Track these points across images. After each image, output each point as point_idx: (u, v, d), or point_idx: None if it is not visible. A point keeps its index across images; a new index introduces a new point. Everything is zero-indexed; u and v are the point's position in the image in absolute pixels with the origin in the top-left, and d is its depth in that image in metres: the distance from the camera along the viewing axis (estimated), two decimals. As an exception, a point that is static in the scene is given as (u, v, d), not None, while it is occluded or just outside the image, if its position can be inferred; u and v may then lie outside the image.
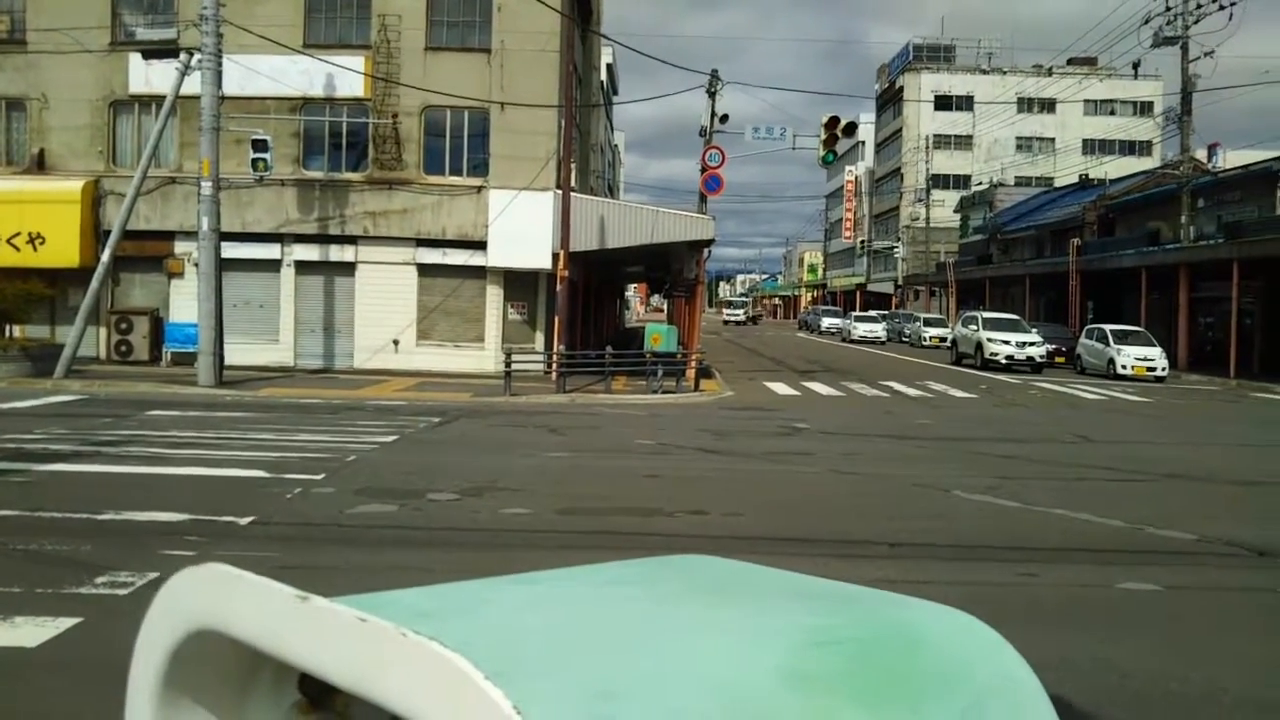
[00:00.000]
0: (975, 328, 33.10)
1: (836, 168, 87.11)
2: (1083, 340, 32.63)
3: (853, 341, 52.62)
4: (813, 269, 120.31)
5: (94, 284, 22.07)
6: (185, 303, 26.08)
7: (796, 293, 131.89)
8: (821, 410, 20.23)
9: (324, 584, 6.98)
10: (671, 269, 33.62)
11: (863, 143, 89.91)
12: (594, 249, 25.70)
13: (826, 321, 65.56)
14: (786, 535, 8.94)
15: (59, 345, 22.45)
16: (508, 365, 21.16)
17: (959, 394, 24.21)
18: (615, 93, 65.02)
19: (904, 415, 19.64)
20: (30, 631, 5.79)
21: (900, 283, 76.88)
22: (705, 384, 23.96)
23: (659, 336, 23.00)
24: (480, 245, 26.08)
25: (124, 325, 25.80)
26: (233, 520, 8.65)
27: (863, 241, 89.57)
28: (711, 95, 30.35)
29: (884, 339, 52.69)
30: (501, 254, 25.82)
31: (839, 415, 19.36)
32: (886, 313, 62.63)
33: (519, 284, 26.66)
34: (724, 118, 30.41)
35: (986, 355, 31.56)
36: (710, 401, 21.70)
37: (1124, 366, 29.22)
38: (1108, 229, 46.31)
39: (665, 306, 68.42)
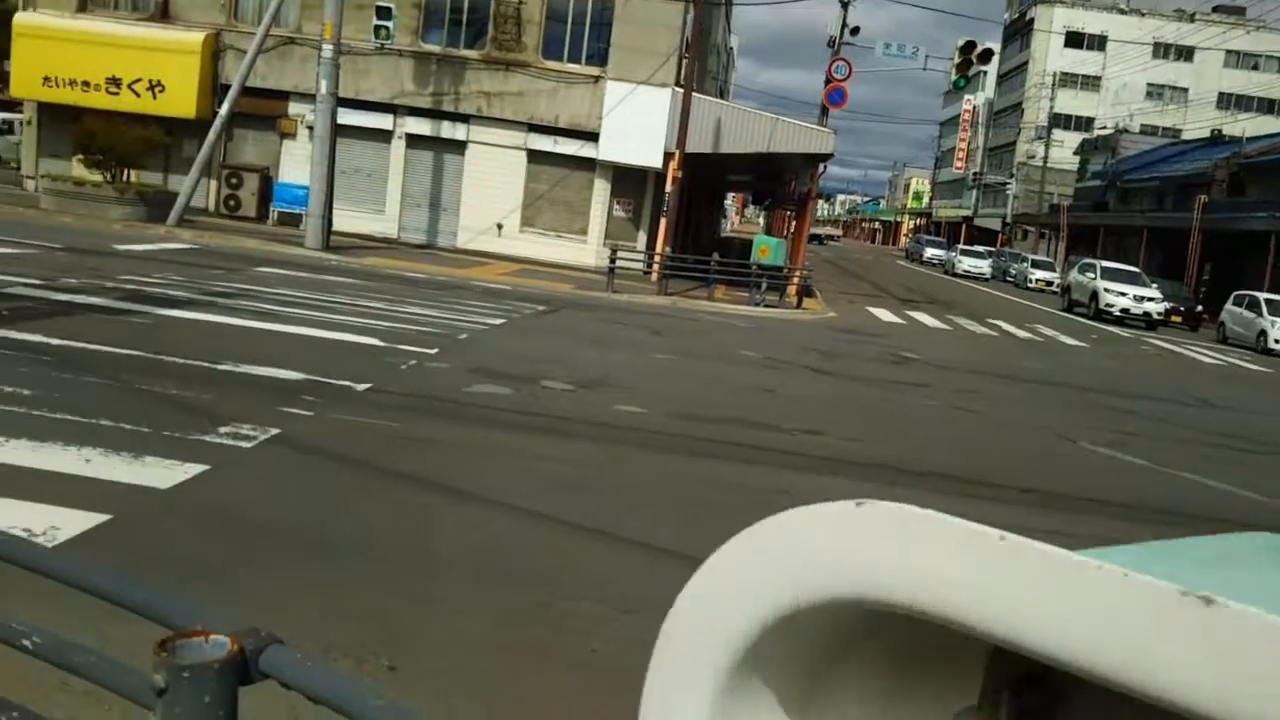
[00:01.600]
0: (1092, 275, 31.83)
1: (954, 96, 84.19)
2: (1229, 307, 30.38)
3: (956, 275, 51.29)
4: (918, 196, 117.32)
5: (211, 136, 22.14)
6: (295, 164, 26.14)
7: (899, 219, 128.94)
8: (929, 342, 19.64)
9: (449, 460, 6.86)
10: (783, 180, 32.83)
11: (984, 72, 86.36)
12: (707, 152, 25.04)
13: (930, 252, 64.00)
14: (908, 467, 8.59)
15: (172, 193, 22.67)
16: (612, 261, 20.86)
17: (1069, 341, 23.36)
18: (736, -6, 63.07)
19: (1014, 357, 18.98)
20: (160, 473, 5.73)
21: (1009, 220, 74.57)
22: (807, 302, 23.45)
23: (766, 248, 22.45)
24: (592, 137, 25.62)
25: (234, 180, 25.98)
26: (349, 385, 8.55)
27: (974, 174, 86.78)
28: (844, 5, 29.20)
29: (988, 276, 51.24)
30: (613, 148, 25.33)
31: (948, 348, 18.76)
32: (993, 250, 60.81)
33: (627, 180, 26.21)
34: (855, 29, 29.25)
35: (1101, 305, 30.33)
36: (813, 320, 21.23)
37: (1277, 341, 27.08)
38: (1238, 189, 44.08)
39: (763, 218, 67.22)
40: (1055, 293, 40.85)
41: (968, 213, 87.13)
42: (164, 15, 26.35)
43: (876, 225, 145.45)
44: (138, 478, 5.63)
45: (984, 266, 51.93)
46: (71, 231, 18.75)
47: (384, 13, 23.12)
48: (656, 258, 22.69)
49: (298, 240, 21.16)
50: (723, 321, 18.78)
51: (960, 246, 60.19)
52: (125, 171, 22.31)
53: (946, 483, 8.16)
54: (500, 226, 26.40)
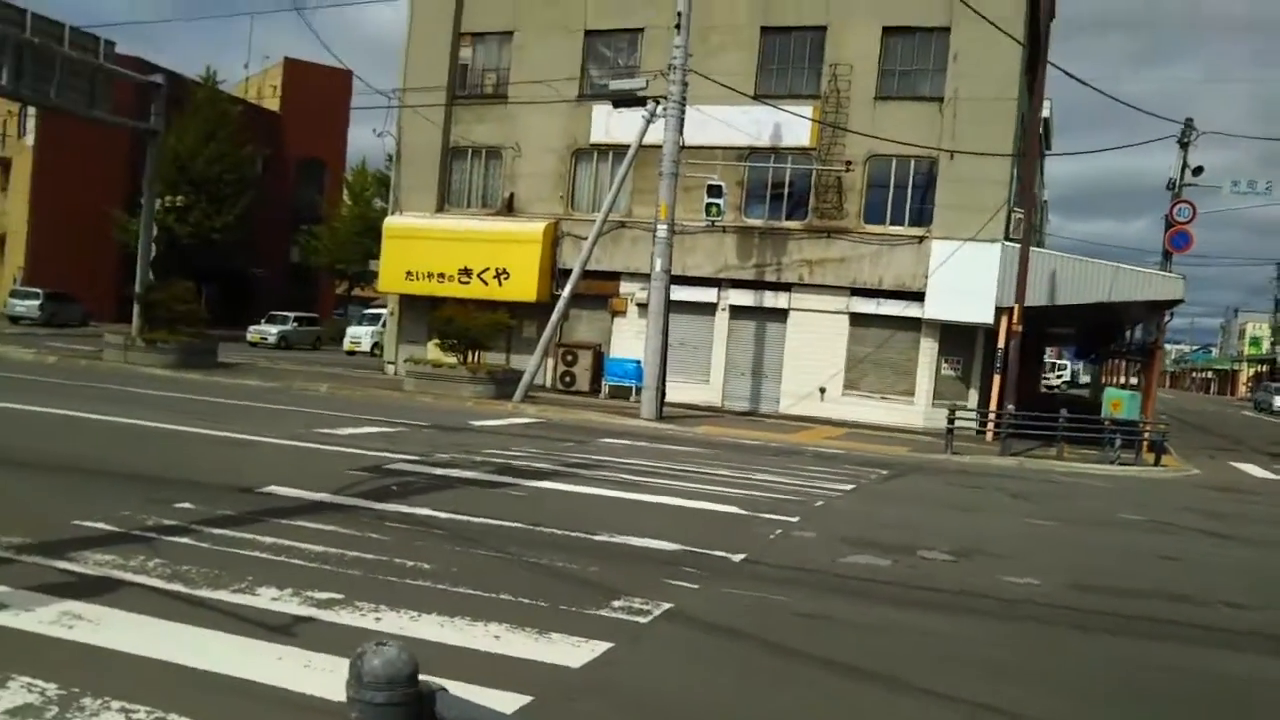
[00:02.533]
0: None
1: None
2: None
3: (1318, 426, 45.96)
4: (1255, 342, 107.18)
5: (554, 318, 23.43)
6: (625, 339, 27.24)
7: (1235, 367, 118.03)
8: (1326, 501, 17.30)
9: (850, 639, 6.38)
10: (1119, 330, 30.81)
11: (1333, 203, 78.83)
12: (1043, 305, 23.90)
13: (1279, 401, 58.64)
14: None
15: (514, 370, 24.07)
16: (951, 422, 19.97)
17: None
18: (1048, 147, 61.57)
19: None
20: (568, 650, 5.62)
21: (1373, 365, 66.54)
22: (1164, 458, 21.39)
23: (1119, 402, 20.82)
24: (917, 296, 25.15)
25: (570, 357, 27.34)
26: (725, 556, 8.32)
27: (1328, 315, 78.50)
28: (1184, 145, 27.68)
29: (1357, 425, 45.57)
30: (939, 306, 24.73)
31: (1352, 509, 16.42)
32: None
33: (955, 338, 25.41)
34: (1198, 170, 27.57)
35: None
36: (1177, 478, 19.30)
37: None
38: None
39: (1091, 370, 63.31)
40: None
41: (1322, 358, 78.54)
42: (509, 209, 28.65)
43: (1209, 375, 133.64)
44: (548, 655, 5.54)
45: (1353, 414, 46.25)
46: (431, 410, 20.15)
47: (715, 191, 24.00)
48: (993, 415, 21.58)
49: (631, 411, 21.76)
50: (1080, 482, 17.39)
51: (1319, 396, 54.17)
52: (475, 353, 23.94)
53: None
54: (823, 390, 26.16)
